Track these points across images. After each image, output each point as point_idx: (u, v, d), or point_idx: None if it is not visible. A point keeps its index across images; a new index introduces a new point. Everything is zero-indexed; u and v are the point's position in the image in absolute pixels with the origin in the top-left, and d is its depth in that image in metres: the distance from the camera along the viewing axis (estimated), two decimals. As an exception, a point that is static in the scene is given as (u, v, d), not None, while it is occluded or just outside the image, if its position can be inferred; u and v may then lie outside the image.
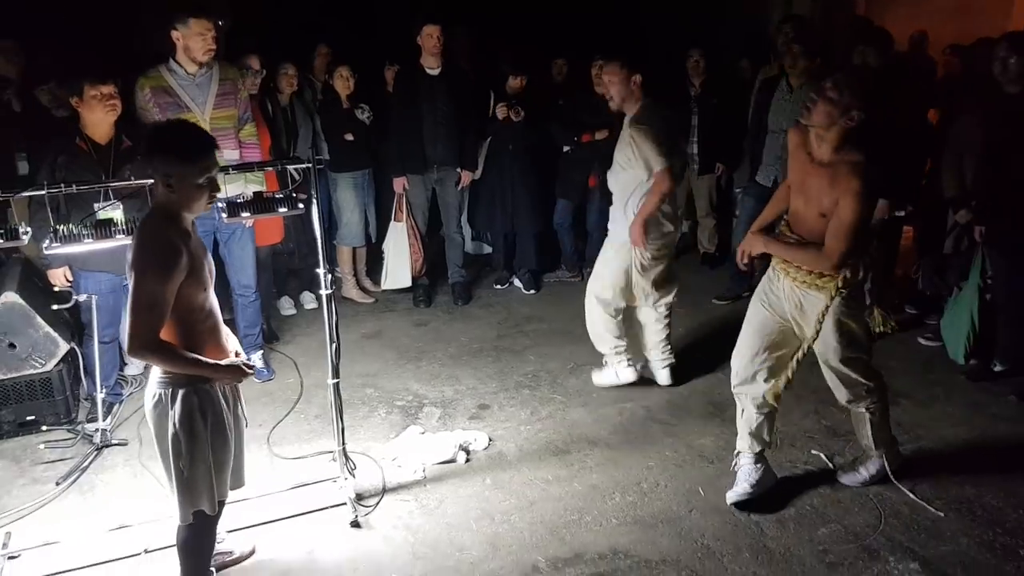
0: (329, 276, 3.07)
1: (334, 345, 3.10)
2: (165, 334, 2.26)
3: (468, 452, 3.54)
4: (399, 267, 5.31)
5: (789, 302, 2.97)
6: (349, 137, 5.09)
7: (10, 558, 2.88)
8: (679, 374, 4.13)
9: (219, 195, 3.46)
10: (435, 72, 4.97)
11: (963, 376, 4.13)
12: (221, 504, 2.53)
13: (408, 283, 5.34)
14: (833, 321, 2.88)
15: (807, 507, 3.12)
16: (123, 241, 2.74)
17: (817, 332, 2.88)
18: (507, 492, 3.26)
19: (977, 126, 3.88)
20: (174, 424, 2.31)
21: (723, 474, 3.32)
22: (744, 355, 3.12)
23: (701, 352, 4.47)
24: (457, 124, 5.03)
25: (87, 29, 5.28)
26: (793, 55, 4.54)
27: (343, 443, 3.24)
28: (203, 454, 2.37)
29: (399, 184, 5.13)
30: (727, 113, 5.45)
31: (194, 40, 3.76)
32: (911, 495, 3.14)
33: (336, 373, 3.15)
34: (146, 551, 2.91)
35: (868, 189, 2.68)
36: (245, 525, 3.06)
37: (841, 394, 3.11)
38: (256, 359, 4.36)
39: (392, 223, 5.30)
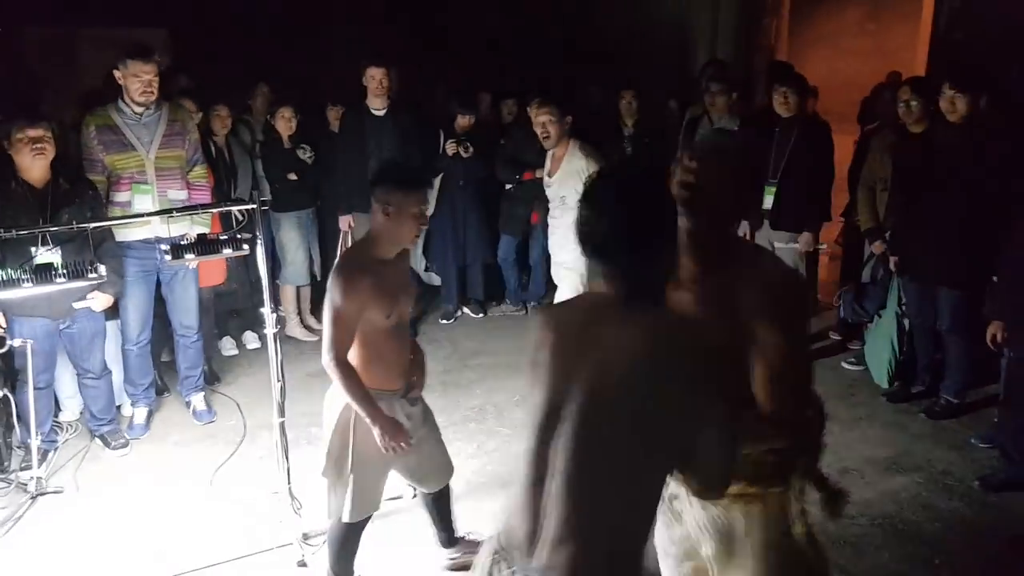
0: (274, 315, 3.11)
1: (279, 384, 3.13)
2: (353, 352, 2.61)
3: (415, 488, 3.57)
4: (343, 304, 5.33)
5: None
6: (292, 177, 5.13)
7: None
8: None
9: (163, 236, 3.51)
10: (381, 112, 5.06)
11: (884, 399, 4.37)
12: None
13: (353, 319, 5.36)
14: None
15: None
16: (64, 286, 2.73)
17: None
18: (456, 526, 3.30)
19: (886, 163, 4.18)
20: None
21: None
22: None
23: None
24: (406, 162, 5.13)
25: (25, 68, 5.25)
26: (712, 94, 4.88)
27: (289, 482, 3.24)
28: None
29: (344, 222, 5.18)
30: (658, 151, 5.71)
31: (131, 81, 3.77)
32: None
33: (282, 412, 3.17)
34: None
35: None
36: (193, 568, 3.03)
37: None
38: (197, 401, 4.32)
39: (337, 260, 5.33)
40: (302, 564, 3.08)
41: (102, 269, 2.83)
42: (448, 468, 3.00)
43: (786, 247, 4.61)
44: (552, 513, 1.45)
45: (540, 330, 1.57)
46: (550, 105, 3.94)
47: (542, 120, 3.98)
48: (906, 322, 4.29)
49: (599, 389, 1.43)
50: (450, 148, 5.37)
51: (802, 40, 8.53)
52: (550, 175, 4.13)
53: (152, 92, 3.82)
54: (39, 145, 3.45)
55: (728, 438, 1.51)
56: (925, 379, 4.26)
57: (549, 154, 4.14)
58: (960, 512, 3.38)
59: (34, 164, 3.48)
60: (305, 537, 3.21)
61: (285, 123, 5.09)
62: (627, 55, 7.08)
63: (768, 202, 4.59)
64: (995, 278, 3.69)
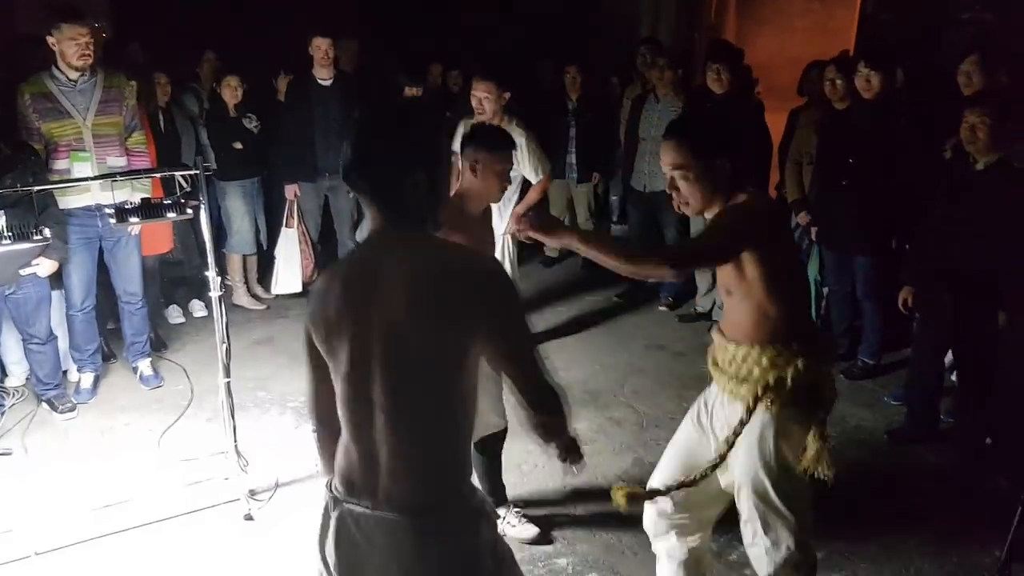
0: (219, 279, 3.19)
1: (224, 345, 3.22)
2: None
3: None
4: (290, 273, 5.41)
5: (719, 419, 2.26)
6: (238, 146, 5.15)
7: None
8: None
9: (104, 202, 3.54)
10: (327, 82, 5.11)
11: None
12: None
13: (299, 288, 5.44)
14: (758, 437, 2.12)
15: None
16: (9, 247, 2.78)
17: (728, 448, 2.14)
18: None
19: (812, 139, 4.40)
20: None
21: (596, 452, 3.63)
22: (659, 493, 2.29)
23: (582, 344, 4.85)
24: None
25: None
26: (660, 68, 5.00)
27: (235, 441, 3.35)
28: None
29: (290, 191, 5.24)
30: (601, 125, 5.87)
31: (67, 45, 3.73)
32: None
33: (228, 373, 3.27)
34: (36, 553, 2.95)
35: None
36: (135, 525, 3.13)
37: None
38: (144, 366, 4.38)
39: (283, 229, 5.40)
40: (248, 518, 3.20)
41: (47, 232, 2.88)
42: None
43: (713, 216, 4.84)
44: (383, 449, 1.55)
45: (326, 284, 1.63)
46: (488, 81, 3.95)
47: (479, 96, 3.99)
48: (825, 290, 4.55)
49: (393, 321, 1.51)
50: None
51: (750, 20, 8.73)
52: None
53: (89, 55, 3.79)
54: None
55: (528, 355, 1.62)
56: (844, 344, 4.52)
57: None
58: (869, 462, 3.64)
59: None
60: (252, 493, 3.33)
61: (231, 92, 5.09)
62: (575, 26, 7.20)
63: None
64: (907, 247, 3.96)
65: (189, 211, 3.03)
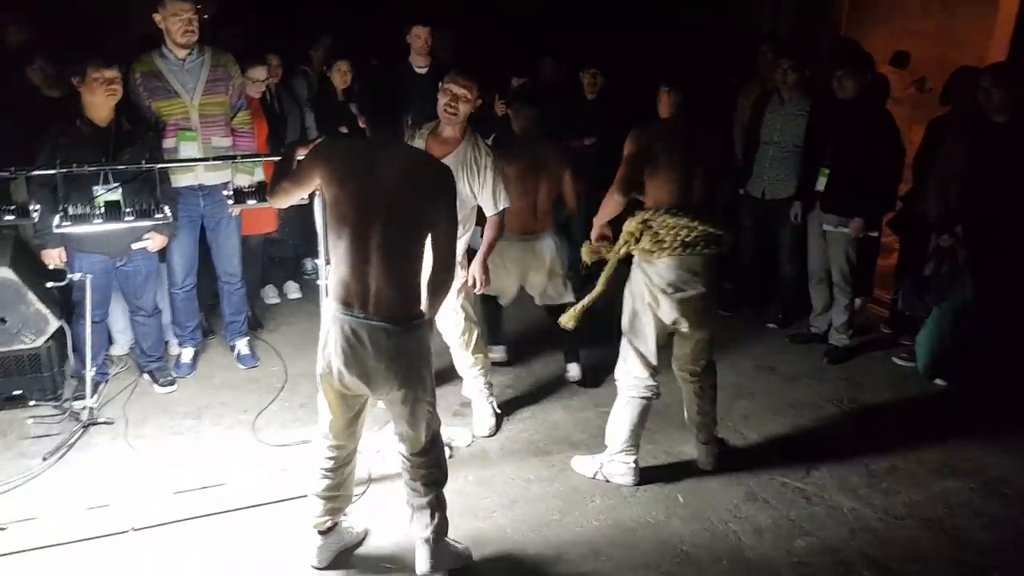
0: (328, 266, 3.10)
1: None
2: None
3: (451, 448, 3.59)
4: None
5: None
6: (343, 130, 5.12)
7: (-3, 531, 2.90)
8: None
9: (207, 183, 3.54)
10: (423, 71, 5.06)
11: (936, 396, 4.25)
12: None
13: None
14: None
15: (784, 519, 3.20)
16: (131, 224, 2.76)
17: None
18: (489, 489, 3.32)
19: (963, 154, 3.99)
20: None
21: (703, 481, 3.41)
22: None
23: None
24: None
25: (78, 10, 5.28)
26: (784, 71, 4.67)
27: (328, 433, 3.27)
28: None
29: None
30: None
31: (171, 22, 3.73)
32: (884, 513, 3.24)
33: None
34: (134, 529, 2.95)
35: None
36: (229, 508, 3.10)
37: None
38: (241, 346, 4.39)
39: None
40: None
41: (167, 210, 2.86)
42: None
43: (835, 231, 4.48)
44: (374, 279, 2.40)
45: (341, 148, 2.54)
46: (469, 78, 3.32)
47: (455, 92, 3.30)
48: (964, 319, 4.14)
49: (392, 191, 2.37)
50: (499, 109, 5.31)
51: (864, 19, 8.17)
52: None
53: (193, 32, 3.78)
54: (112, 86, 3.49)
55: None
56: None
57: (426, 133, 3.47)
58: (1017, 521, 3.25)
59: (105, 104, 3.51)
60: (339, 487, 3.24)
61: (341, 76, 5.10)
62: (688, 22, 6.87)
63: (821, 184, 4.47)
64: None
65: (304, 198, 2.94)
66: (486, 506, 3.21)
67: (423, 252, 2.45)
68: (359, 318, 2.42)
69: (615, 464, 3.38)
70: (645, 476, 3.41)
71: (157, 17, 3.76)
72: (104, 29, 5.62)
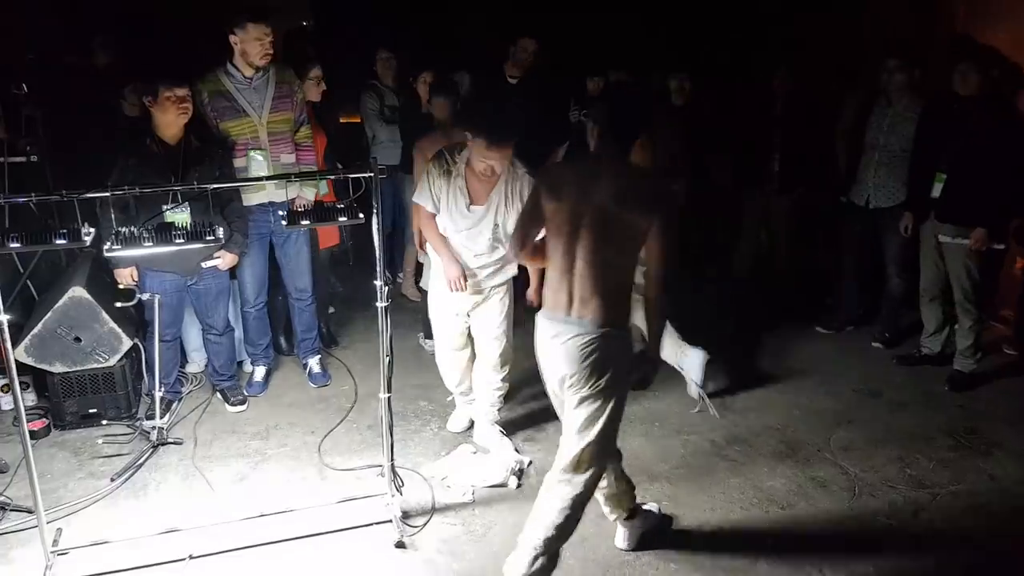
0: (386, 288, 2.98)
1: (388, 359, 3.01)
2: None
3: (520, 476, 3.40)
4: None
5: None
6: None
7: (59, 555, 2.88)
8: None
9: (277, 200, 3.45)
10: (515, 81, 5.09)
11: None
12: None
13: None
14: None
15: (886, 565, 2.84)
16: (183, 245, 2.70)
17: None
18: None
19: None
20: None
21: (794, 520, 3.08)
22: None
23: (778, 382, 4.23)
24: (535, 130, 4.99)
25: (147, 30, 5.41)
26: (889, 71, 4.30)
27: (392, 459, 3.14)
28: None
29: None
30: (811, 131, 5.13)
31: (251, 45, 3.71)
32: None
33: (388, 387, 3.06)
34: (191, 557, 2.89)
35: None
36: (291, 537, 2.99)
37: None
38: (313, 363, 4.34)
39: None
40: (399, 545, 2.97)
41: (220, 232, 2.79)
42: None
43: (952, 242, 4.04)
44: (580, 285, 2.48)
45: (560, 169, 2.89)
46: (504, 146, 3.06)
47: (491, 163, 3.09)
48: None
49: (602, 205, 2.45)
50: (572, 116, 5.17)
51: (981, 13, 7.48)
52: (474, 204, 3.26)
53: (271, 54, 3.77)
54: (184, 104, 3.49)
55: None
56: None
57: (462, 167, 3.21)
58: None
59: (176, 122, 3.51)
60: (404, 516, 3.10)
61: (425, 87, 5.04)
62: (791, 20, 6.46)
63: (937, 191, 4.05)
64: None
65: (361, 216, 2.83)
66: (555, 543, 2.99)
67: (632, 265, 2.53)
68: (564, 322, 2.51)
69: None
70: (730, 514, 3.11)
71: (233, 38, 3.74)
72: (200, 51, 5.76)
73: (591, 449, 2.54)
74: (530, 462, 3.50)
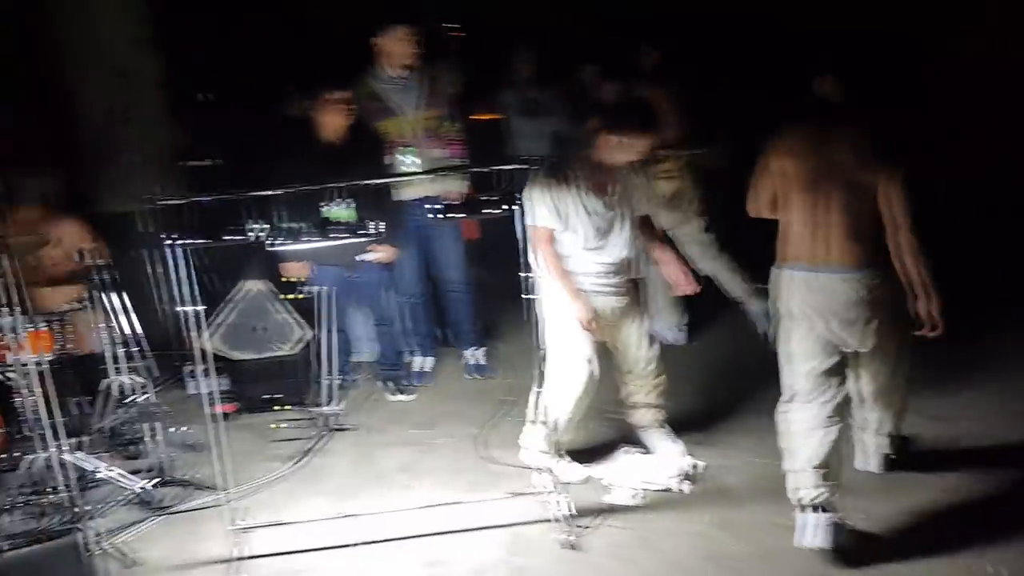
0: (531, 280, 2.90)
1: (540, 352, 2.93)
2: None
3: (690, 482, 3.19)
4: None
5: None
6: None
7: (243, 532, 3.02)
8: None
9: (430, 195, 3.41)
10: None
11: None
12: None
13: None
14: None
15: None
16: (340, 241, 2.76)
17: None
18: (737, 535, 2.85)
19: None
20: None
21: None
22: None
23: (984, 382, 3.77)
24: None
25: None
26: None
27: (555, 455, 3.05)
28: None
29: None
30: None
31: (397, 46, 3.78)
32: None
33: (542, 382, 2.97)
34: (362, 543, 2.92)
35: None
36: (454, 529, 2.97)
37: None
38: (473, 355, 4.35)
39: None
40: (568, 546, 2.85)
41: (380, 225, 2.83)
42: None
43: None
44: (832, 234, 2.59)
45: (797, 133, 2.71)
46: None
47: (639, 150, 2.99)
48: None
49: (842, 160, 2.57)
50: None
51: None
52: (611, 193, 3.07)
53: (416, 54, 3.81)
54: (347, 107, 3.62)
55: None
56: None
57: (585, 181, 3.03)
58: None
59: (338, 124, 3.64)
60: (572, 516, 2.98)
61: (593, 78, 4.99)
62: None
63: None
64: None
65: (505, 207, 2.77)
66: (735, 554, 2.75)
67: (873, 213, 2.57)
68: (819, 271, 2.61)
69: None
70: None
71: (377, 42, 3.82)
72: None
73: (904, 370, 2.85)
74: (704, 465, 3.28)
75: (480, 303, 4.51)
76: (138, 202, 4.39)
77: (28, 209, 3.70)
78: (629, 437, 3.54)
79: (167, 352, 4.45)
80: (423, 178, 3.81)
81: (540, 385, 2.97)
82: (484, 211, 2.85)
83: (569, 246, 3.06)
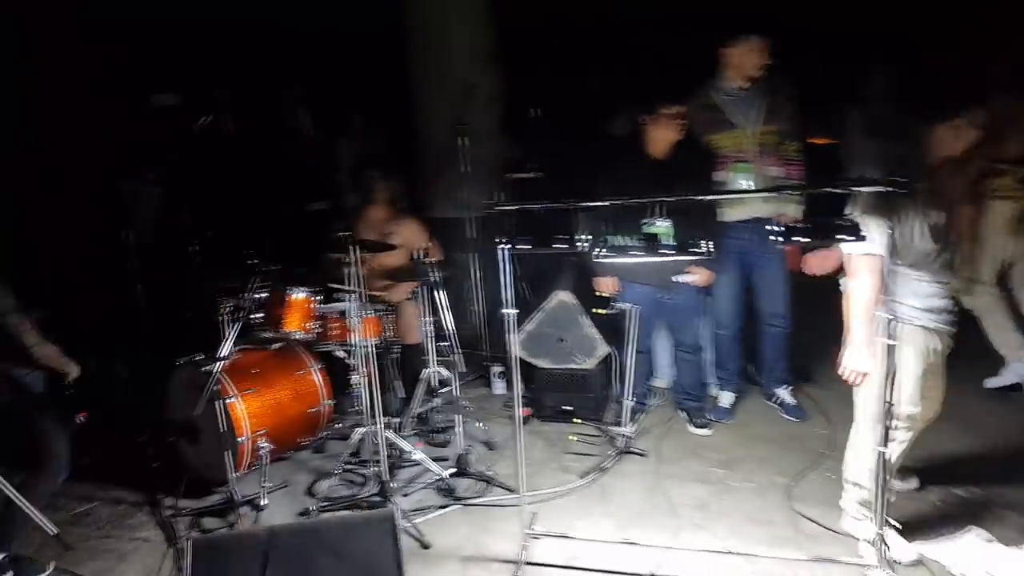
0: (892, 323, 2.48)
1: (886, 406, 2.51)
2: None
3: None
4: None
5: None
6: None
7: (532, 537, 3.03)
8: None
9: (761, 216, 3.13)
10: None
11: None
12: None
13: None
14: None
15: None
16: (668, 258, 2.61)
17: None
18: None
19: None
20: None
21: None
22: None
23: None
24: None
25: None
26: None
27: (883, 524, 2.62)
28: None
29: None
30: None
31: (744, 58, 3.59)
32: None
33: (886, 439, 2.54)
34: (653, 575, 2.78)
35: None
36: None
37: None
38: (783, 394, 3.98)
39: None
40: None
41: (709, 245, 2.63)
42: None
43: None
44: None
45: None
46: None
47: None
48: None
49: None
50: None
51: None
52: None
53: (766, 65, 3.60)
54: (680, 121, 3.52)
55: None
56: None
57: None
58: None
59: (669, 138, 3.54)
60: (895, 598, 2.55)
61: None
62: None
63: None
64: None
65: (850, 235, 2.38)
66: None
67: None
68: None
69: None
70: None
71: (725, 51, 3.66)
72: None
73: None
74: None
75: (796, 340, 4.13)
76: (465, 209, 4.74)
77: (377, 209, 4.11)
78: (980, 516, 2.96)
79: (476, 351, 4.71)
80: (755, 197, 3.57)
81: (882, 443, 2.56)
82: (825, 237, 2.52)
83: (903, 277, 2.64)
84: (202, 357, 3.53)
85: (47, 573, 3.07)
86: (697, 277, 3.62)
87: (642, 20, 5.77)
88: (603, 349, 3.94)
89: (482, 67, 4.98)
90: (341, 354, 3.78)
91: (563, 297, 3.95)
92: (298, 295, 3.57)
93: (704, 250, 2.55)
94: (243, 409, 3.43)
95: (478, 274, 4.75)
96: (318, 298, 3.63)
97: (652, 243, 2.63)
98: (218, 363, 3.27)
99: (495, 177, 5.04)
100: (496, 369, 4.51)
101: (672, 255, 2.57)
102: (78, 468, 3.15)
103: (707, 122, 3.69)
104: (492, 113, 5.07)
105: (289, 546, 2.53)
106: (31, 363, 3.02)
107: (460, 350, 3.92)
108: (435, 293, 3.67)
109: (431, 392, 3.96)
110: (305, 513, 3.33)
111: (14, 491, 2.78)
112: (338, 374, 3.86)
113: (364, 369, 3.33)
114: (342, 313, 3.61)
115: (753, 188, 3.55)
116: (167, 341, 4.08)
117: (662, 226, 3.39)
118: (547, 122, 4.86)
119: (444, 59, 4.93)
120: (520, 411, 3.11)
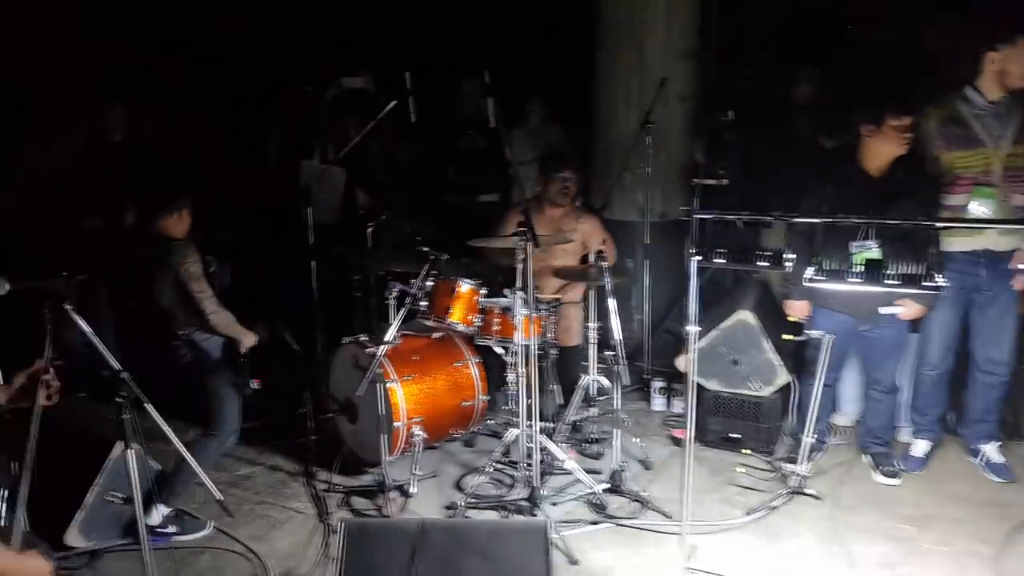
0: None
1: None
2: None
3: None
4: None
5: None
6: None
7: (688, 569, 2.80)
8: None
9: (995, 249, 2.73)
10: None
11: None
12: None
13: None
14: None
15: None
16: (893, 289, 2.29)
17: None
18: None
19: None
20: None
21: None
22: None
23: None
24: None
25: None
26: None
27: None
28: None
29: None
30: None
31: (1017, 63, 3.09)
32: None
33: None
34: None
35: None
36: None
37: None
38: (990, 451, 3.49)
39: None
40: None
41: (940, 279, 2.30)
42: None
43: None
44: None
45: None
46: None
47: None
48: None
49: None
50: None
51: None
52: None
53: None
54: (907, 134, 3.12)
55: None
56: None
57: None
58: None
59: (891, 153, 3.16)
60: None
61: None
62: None
63: None
64: None
65: None
66: None
67: None
68: None
69: None
70: None
71: (992, 55, 3.18)
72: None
73: None
74: None
75: (1011, 391, 3.60)
76: (644, 213, 4.52)
77: (554, 207, 3.99)
78: None
79: (636, 362, 4.48)
80: (992, 228, 3.13)
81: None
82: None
83: None
84: (366, 338, 3.56)
85: (206, 532, 3.20)
86: (907, 310, 3.21)
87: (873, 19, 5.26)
88: (784, 378, 3.61)
89: (677, 63, 4.74)
90: (500, 350, 3.70)
91: (745, 317, 3.64)
92: (465, 287, 3.52)
93: (938, 284, 2.21)
94: (402, 395, 3.42)
95: (647, 282, 4.51)
96: (483, 291, 3.56)
97: (875, 271, 2.32)
98: (383, 347, 3.26)
99: (680, 181, 4.79)
100: (657, 384, 4.27)
101: (897, 286, 2.25)
102: (243, 432, 3.27)
103: (948, 137, 3.25)
104: (682, 113, 4.81)
105: (438, 543, 2.49)
106: (208, 329, 3.13)
107: (625, 361, 3.72)
108: (604, 297, 3.49)
109: (588, 400, 3.79)
110: (452, 507, 3.28)
111: (187, 451, 2.88)
112: (494, 369, 3.78)
113: (523, 369, 3.22)
114: (505, 309, 3.51)
115: (995, 217, 3.08)
116: (335, 318, 4.17)
117: (869, 251, 3.03)
118: (741, 126, 4.53)
119: (636, 53, 4.73)
120: (683, 433, 2.91)
